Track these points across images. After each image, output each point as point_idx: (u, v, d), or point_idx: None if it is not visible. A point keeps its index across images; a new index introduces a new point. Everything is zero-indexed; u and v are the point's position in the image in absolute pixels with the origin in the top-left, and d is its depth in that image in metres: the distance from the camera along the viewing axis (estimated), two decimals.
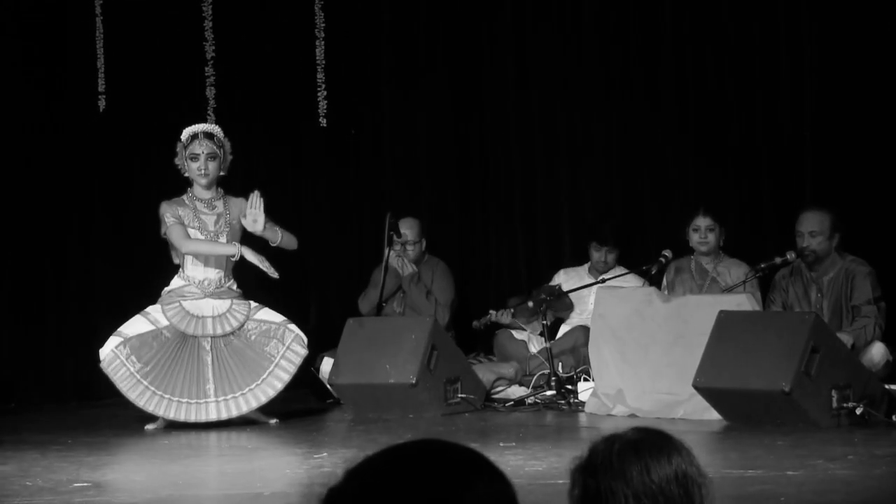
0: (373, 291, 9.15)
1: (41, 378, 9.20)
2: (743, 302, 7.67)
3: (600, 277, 8.88)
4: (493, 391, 8.64)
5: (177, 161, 7.96)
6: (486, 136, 9.90)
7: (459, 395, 8.23)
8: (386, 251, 9.01)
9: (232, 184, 9.77)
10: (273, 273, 7.66)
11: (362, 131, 9.96)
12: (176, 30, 9.63)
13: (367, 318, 8.89)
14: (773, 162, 9.18)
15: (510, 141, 9.81)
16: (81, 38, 9.48)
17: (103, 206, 9.50)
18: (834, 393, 7.12)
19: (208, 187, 7.89)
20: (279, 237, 7.85)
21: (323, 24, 9.66)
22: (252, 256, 7.71)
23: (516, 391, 8.61)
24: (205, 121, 9.59)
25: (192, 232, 7.81)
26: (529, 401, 8.44)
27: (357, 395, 8.31)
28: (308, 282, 9.91)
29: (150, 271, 8.46)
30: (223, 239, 7.86)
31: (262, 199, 7.77)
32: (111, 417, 8.06)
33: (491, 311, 8.99)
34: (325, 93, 9.66)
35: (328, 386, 8.66)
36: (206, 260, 7.88)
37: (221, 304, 7.86)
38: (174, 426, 7.66)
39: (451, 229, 9.86)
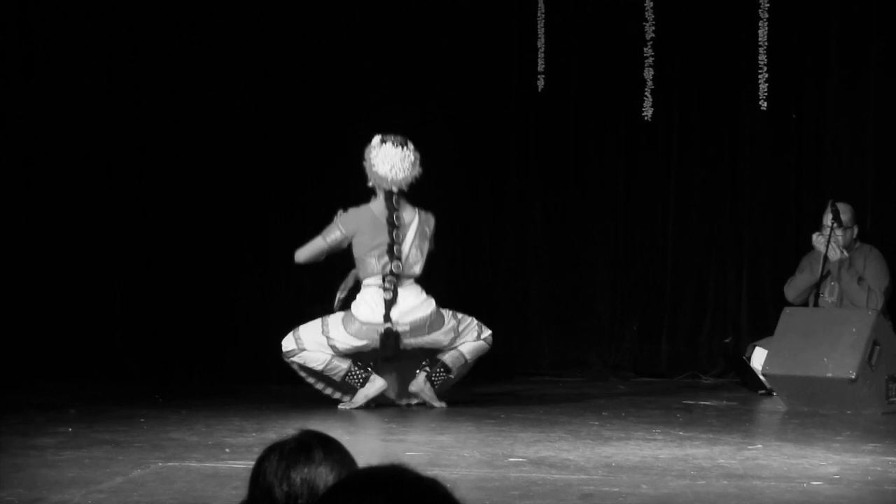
0: (799, 277, 8.91)
1: None
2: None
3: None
4: None
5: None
6: None
7: None
8: (821, 236, 8.74)
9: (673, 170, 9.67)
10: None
11: (803, 116, 9.64)
12: (616, 10, 9.59)
13: (804, 309, 8.66)
14: None
15: None
16: (523, 20, 9.61)
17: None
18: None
19: None
20: None
21: (767, 5, 9.37)
22: None
23: None
24: (642, 101, 9.52)
25: None
26: None
27: (791, 387, 8.09)
28: (742, 271, 9.71)
29: None
30: None
31: None
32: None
33: None
34: (766, 75, 9.38)
35: (760, 377, 8.45)
36: None
37: None
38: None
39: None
